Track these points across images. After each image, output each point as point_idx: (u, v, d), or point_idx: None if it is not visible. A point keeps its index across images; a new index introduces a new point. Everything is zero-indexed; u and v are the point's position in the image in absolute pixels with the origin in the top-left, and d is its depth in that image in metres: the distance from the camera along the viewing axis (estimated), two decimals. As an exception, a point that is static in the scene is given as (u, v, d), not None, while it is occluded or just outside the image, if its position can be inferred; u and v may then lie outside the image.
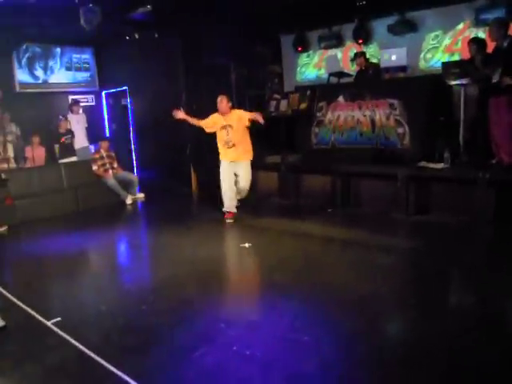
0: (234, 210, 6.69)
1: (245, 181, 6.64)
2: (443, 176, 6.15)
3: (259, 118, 6.31)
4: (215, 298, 4.14)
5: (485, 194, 5.65)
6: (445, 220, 5.93)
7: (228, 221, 6.59)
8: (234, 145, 6.51)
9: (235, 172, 6.63)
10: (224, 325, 3.56)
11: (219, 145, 6.66)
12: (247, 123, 6.45)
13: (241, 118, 6.46)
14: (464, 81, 6.35)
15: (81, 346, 3.34)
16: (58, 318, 3.81)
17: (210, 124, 6.70)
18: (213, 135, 6.73)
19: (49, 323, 3.75)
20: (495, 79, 5.87)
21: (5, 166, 8.69)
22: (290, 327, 3.55)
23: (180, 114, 6.82)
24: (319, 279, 4.44)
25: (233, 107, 6.71)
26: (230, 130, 6.48)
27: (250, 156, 6.64)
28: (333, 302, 3.92)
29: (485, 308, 3.71)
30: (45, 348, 3.42)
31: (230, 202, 6.65)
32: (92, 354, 3.22)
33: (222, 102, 6.51)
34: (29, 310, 4.05)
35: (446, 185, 6.14)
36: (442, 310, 3.72)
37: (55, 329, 3.65)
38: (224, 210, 6.69)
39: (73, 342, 3.42)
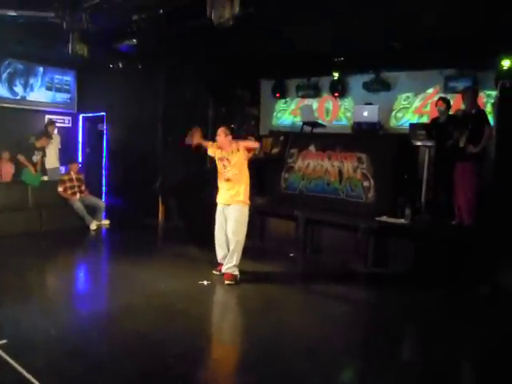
0: (220, 262, 5.79)
1: (230, 231, 5.53)
2: (403, 231, 6.36)
3: (254, 144, 5.89)
4: (167, 332, 4.13)
5: (439, 252, 5.87)
6: (401, 273, 6.10)
7: (214, 272, 5.82)
8: (228, 179, 5.57)
9: (227, 219, 5.64)
10: (173, 360, 3.56)
11: (218, 180, 5.78)
12: (245, 155, 5.60)
13: (243, 153, 5.58)
14: (429, 142, 6.70)
15: (22, 370, 3.28)
16: (4, 341, 3.74)
17: (213, 147, 5.79)
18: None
19: (-7, 344, 3.68)
20: (462, 144, 6.23)
21: (-29, 179, 8.57)
22: (239, 366, 3.58)
23: (197, 138, 5.84)
24: (272, 322, 4.49)
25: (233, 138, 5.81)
26: (230, 165, 5.57)
27: (241, 199, 5.55)
28: (282, 346, 3.97)
29: (429, 366, 3.82)
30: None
31: (219, 254, 5.76)
32: (32, 379, 3.17)
33: (220, 135, 5.63)
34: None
35: (405, 240, 6.34)
36: (387, 363, 3.80)
37: (-1, 351, 3.58)
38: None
39: (15, 365, 3.36)
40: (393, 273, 6.23)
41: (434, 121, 6.96)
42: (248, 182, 5.64)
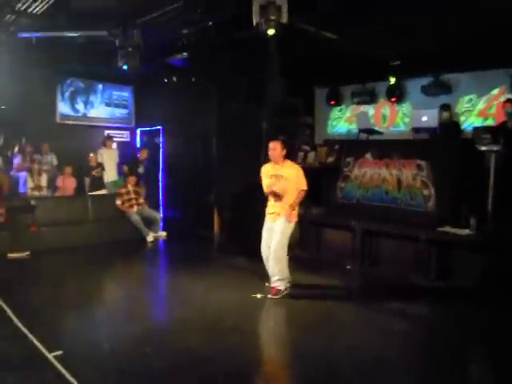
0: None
1: (273, 243, 5.35)
2: (467, 242, 5.97)
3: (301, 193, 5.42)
4: (218, 348, 4.04)
5: (509, 265, 5.45)
6: (466, 288, 5.72)
7: (267, 284, 5.55)
8: (280, 198, 5.36)
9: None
10: (224, 377, 3.47)
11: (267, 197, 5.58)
12: (298, 188, 5.41)
13: (298, 177, 5.39)
14: (495, 147, 6.27)
15: (75, 383, 3.30)
16: (60, 352, 3.79)
17: (263, 183, 5.56)
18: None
19: (50, 355, 3.74)
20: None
21: (36, 193, 8.97)
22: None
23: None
24: (328, 337, 4.33)
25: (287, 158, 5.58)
26: (282, 180, 5.35)
27: (287, 213, 5.33)
28: (335, 364, 3.79)
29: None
30: (40, 381, 3.39)
31: (266, 265, 5.54)
32: (86, 394, 3.18)
33: (276, 149, 5.37)
34: (34, 339, 4.06)
35: (470, 252, 5.96)
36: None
37: (55, 362, 3.63)
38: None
39: (69, 377, 3.39)
40: (457, 287, 5.85)
41: (502, 124, 6.53)
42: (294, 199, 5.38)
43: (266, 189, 5.48)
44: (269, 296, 5.31)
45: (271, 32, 4.74)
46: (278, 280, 5.34)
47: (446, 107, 7.82)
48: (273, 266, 5.34)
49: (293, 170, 5.42)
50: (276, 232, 5.36)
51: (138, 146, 10.24)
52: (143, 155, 9.90)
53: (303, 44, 7.10)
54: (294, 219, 5.42)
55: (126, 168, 9.70)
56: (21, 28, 6.51)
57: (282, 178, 5.37)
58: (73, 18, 6.24)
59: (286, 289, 5.37)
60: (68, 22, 6.28)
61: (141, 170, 9.80)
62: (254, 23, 4.81)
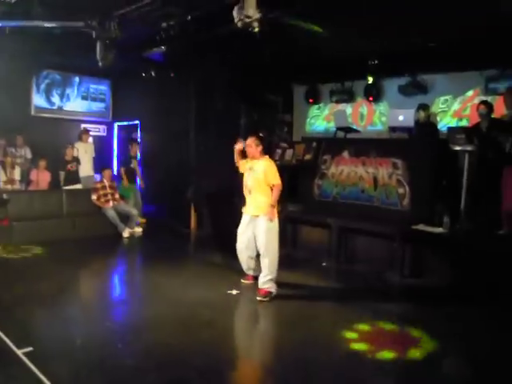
0: (251, 274, 5.69)
1: (260, 244, 5.28)
2: (441, 240, 6.06)
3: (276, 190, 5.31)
4: (192, 344, 4.03)
5: (482, 263, 5.54)
6: (439, 286, 5.81)
7: (242, 281, 5.76)
8: (249, 191, 5.41)
9: (254, 232, 5.41)
10: (197, 373, 3.45)
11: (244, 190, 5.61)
12: (269, 184, 5.34)
13: (265, 172, 5.31)
14: (469, 147, 6.36)
15: (45, 380, 3.24)
16: (30, 348, 3.73)
17: (241, 164, 5.66)
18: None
19: (19, 352, 3.67)
20: (508, 149, 5.88)
21: (9, 186, 8.79)
22: (263, 381, 3.44)
23: (240, 145, 5.62)
24: (303, 334, 4.34)
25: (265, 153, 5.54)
26: (252, 172, 5.40)
27: (265, 211, 5.24)
28: (310, 361, 3.81)
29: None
30: (6, 377, 3.33)
31: (244, 266, 5.66)
32: (55, 391, 3.13)
33: (251, 145, 5.37)
34: (2, 335, 3.97)
35: (444, 250, 6.05)
36: (423, 381, 3.57)
37: (24, 358, 3.56)
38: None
39: (38, 374, 3.33)
40: (430, 284, 5.94)
41: (476, 125, 6.63)
42: (270, 193, 5.33)
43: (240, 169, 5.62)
44: (258, 298, 5.15)
45: (249, 27, 4.71)
46: (270, 280, 5.22)
47: (424, 107, 7.91)
48: (265, 265, 5.23)
49: (263, 164, 5.35)
50: (260, 233, 5.27)
51: (131, 139, 10.04)
52: (134, 149, 9.75)
53: (283, 41, 7.09)
54: (275, 216, 5.33)
55: (122, 169, 9.60)
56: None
57: (252, 170, 5.40)
58: (49, 8, 6.11)
59: (275, 291, 5.26)
60: (44, 12, 6.13)
61: (133, 164, 9.67)
62: (235, 18, 4.79)
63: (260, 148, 5.38)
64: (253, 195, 5.38)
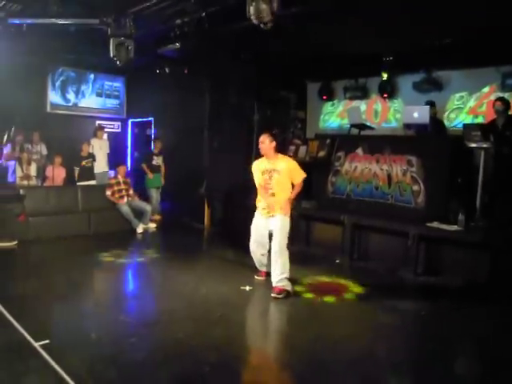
0: (264, 270, 5.71)
1: (275, 242, 5.22)
2: (455, 238, 6.01)
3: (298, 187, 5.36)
4: (205, 339, 4.05)
5: (499, 260, 5.49)
6: (454, 284, 5.77)
7: (256, 277, 5.78)
8: (273, 194, 5.31)
9: (270, 230, 5.40)
10: (209, 368, 3.47)
11: (259, 193, 5.52)
12: (294, 181, 5.36)
13: (291, 170, 5.31)
14: (484, 144, 6.30)
15: (62, 372, 3.29)
16: (47, 341, 3.79)
17: (255, 179, 5.52)
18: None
19: (36, 344, 3.73)
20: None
21: (25, 182, 8.90)
22: (275, 378, 3.45)
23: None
24: (317, 331, 4.33)
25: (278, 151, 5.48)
26: (275, 174, 5.28)
27: (284, 211, 5.27)
28: (326, 357, 3.81)
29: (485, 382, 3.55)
30: (26, 369, 3.38)
31: (257, 263, 5.73)
32: (70, 381, 3.17)
33: (264, 142, 5.28)
34: (20, 328, 4.04)
35: (458, 248, 6.00)
36: (435, 380, 3.55)
37: (41, 351, 3.62)
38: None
39: (55, 366, 3.38)
40: (444, 282, 5.90)
41: (492, 122, 6.56)
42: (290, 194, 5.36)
43: (257, 184, 5.45)
44: (272, 295, 5.10)
45: (263, 22, 4.70)
46: (286, 278, 5.18)
47: (430, 104, 7.85)
48: (280, 263, 5.16)
49: (285, 164, 5.32)
50: (276, 230, 5.23)
51: (153, 137, 10.08)
52: (157, 147, 9.80)
53: (296, 37, 7.08)
54: (289, 211, 5.32)
55: (144, 165, 9.69)
56: (11, 14, 6.42)
57: (275, 171, 5.28)
58: (64, 5, 6.16)
59: (291, 289, 5.22)
60: (59, 10, 6.19)
61: (155, 162, 9.71)
62: (248, 13, 4.79)
63: (273, 144, 5.30)
64: (277, 197, 5.29)
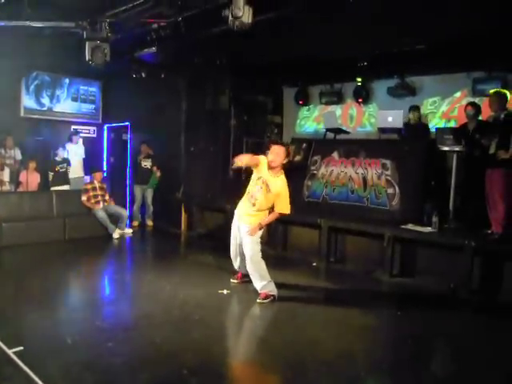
0: (242, 271, 5.63)
1: (246, 254, 5.18)
2: (429, 240, 6.13)
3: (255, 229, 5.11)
4: (183, 343, 4.04)
5: (470, 262, 5.62)
6: (428, 285, 5.88)
7: (232, 280, 5.78)
8: (254, 204, 5.13)
9: (240, 237, 5.31)
10: (187, 372, 3.47)
11: (246, 192, 5.31)
12: (275, 207, 5.16)
13: (279, 196, 5.07)
14: (456, 148, 6.45)
15: (36, 379, 3.24)
16: (21, 348, 3.72)
17: (256, 160, 5.08)
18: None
19: (9, 351, 3.66)
20: (492, 150, 5.95)
21: (-3, 188, 8.75)
22: (254, 379, 3.46)
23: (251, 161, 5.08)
24: (294, 333, 4.37)
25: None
26: (266, 188, 5.04)
27: (252, 226, 5.11)
28: (305, 359, 3.84)
29: (458, 380, 3.62)
30: (-1, 377, 3.33)
31: (235, 264, 5.63)
32: (46, 388, 3.13)
33: (280, 155, 4.99)
34: (-7, 336, 3.97)
35: (432, 249, 6.12)
36: (413, 380, 3.61)
37: (14, 358, 3.56)
38: None
39: (29, 373, 3.33)
40: (419, 283, 6.01)
41: (463, 127, 6.73)
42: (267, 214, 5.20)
43: (245, 158, 5.04)
44: (258, 300, 5.07)
45: (241, 26, 4.74)
46: (270, 283, 5.13)
47: (415, 108, 8.01)
48: (256, 274, 5.12)
49: (280, 187, 5.05)
50: (246, 245, 5.16)
51: (141, 141, 9.95)
52: (144, 151, 9.67)
53: (272, 43, 7.13)
54: (256, 234, 5.13)
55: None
56: (-17, 17, 6.33)
57: (267, 187, 5.01)
58: (39, 9, 6.10)
59: (276, 294, 5.17)
60: (34, 13, 6.12)
61: (143, 164, 9.61)
62: (226, 17, 4.81)
63: (285, 161, 5.06)
64: (256, 208, 5.12)
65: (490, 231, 6.03)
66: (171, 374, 3.48)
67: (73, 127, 10.92)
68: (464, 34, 6.36)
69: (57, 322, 4.54)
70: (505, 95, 6.31)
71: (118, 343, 4.00)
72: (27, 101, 10.40)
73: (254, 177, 5.20)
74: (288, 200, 5.16)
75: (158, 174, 9.59)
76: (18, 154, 9.54)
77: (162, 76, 9.08)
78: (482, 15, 5.85)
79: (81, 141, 10.21)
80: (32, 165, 9.12)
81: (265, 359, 3.94)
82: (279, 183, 5.06)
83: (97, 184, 8.69)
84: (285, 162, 5.05)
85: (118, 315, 4.91)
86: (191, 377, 3.41)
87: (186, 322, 4.51)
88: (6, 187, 8.98)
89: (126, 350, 3.90)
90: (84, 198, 8.49)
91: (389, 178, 6.97)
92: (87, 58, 6.26)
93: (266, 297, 5.10)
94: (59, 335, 4.14)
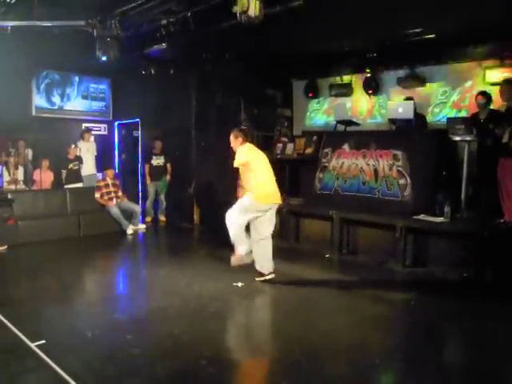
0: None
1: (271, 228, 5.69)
2: (442, 230, 6.13)
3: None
4: (200, 334, 4.10)
5: (483, 250, 5.62)
6: (441, 274, 5.89)
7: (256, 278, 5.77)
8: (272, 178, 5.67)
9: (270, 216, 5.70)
10: (205, 362, 3.53)
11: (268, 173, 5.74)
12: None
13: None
14: (468, 137, 6.42)
15: (60, 371, 3.32)
16: (43, 341, 3.80)
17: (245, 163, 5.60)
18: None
19: (32, 345, 3.74)
20: (505, 139, 5.93)
21: (12, 187, 8.85)
22: (270, 369, 3.50)
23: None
24: (308, 324, 4.41)
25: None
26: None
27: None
28: (320, 348, 3.88)
29: (473, 366, 3.65)
30: (23, 369, 3.41)
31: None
32: (69, 380, 3.20)
33: (231, 140, 5.75)
34: (15, 330, 4.05)
35: (445, 239, 6.12)
36: (428, 367, 3.64)
37: (37, 351, 3.64)
38: None
39: (53, 365, 3.41)
40: (432, 273, 6.02)
41: (474, 116, 6.70)
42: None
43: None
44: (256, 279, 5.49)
45: (250, 20, 4.75)
46: (239, 246, 5.48)
47: (410, 100, 8.01)
48: (231, 232, 5.50)
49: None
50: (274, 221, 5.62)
51: (154, 137, 10.04)
52: (157, 147, 9.76)
53: (281, 36, 7.14)
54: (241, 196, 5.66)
55: (146, 166, 9.74)
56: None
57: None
58: (49, 7, 6.15)
59: (268, 273, 5.49)
60: (44, 11, 6.18)
61: (154, 162, 9.70)
62: (235, 11, 4.84)
63: (239, 140, 5.59)
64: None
65: (502, 220, 6.03)
66: (189, 365, 3.54)
67: (84, 125, 11.00)
68: (475, 23, 6.32)
69: (76, 316, 4.64)
70: None
71: (136, 335, 4.08)
72: (38, 100, 10.49)
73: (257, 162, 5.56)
74: (237, 156, 5.55)
75: (168, 177, 9.67)
76: (29, 154, 9.66)
77: (171, 72, 9.11)
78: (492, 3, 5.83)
79: (93, 138, 10.28)
80: (45, 163, 9.23)
81: (280, 349, 3.99)
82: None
83: (109, 181, 8.77)
84: (238, 141, 5.59)
85: (135, 308, 4.99)
86: (208, 367, 3.47)
87: (202, 314, 4.57)
88: (21, 186, 9.10)
89: (144, 342, 3.98)
90: (97, 195, 8.59)
91: (400, 168, 6.96)
92: (97, 56, 6.31)
93: (260, 275, 5.49)
94: (79, 329, 4.23)
